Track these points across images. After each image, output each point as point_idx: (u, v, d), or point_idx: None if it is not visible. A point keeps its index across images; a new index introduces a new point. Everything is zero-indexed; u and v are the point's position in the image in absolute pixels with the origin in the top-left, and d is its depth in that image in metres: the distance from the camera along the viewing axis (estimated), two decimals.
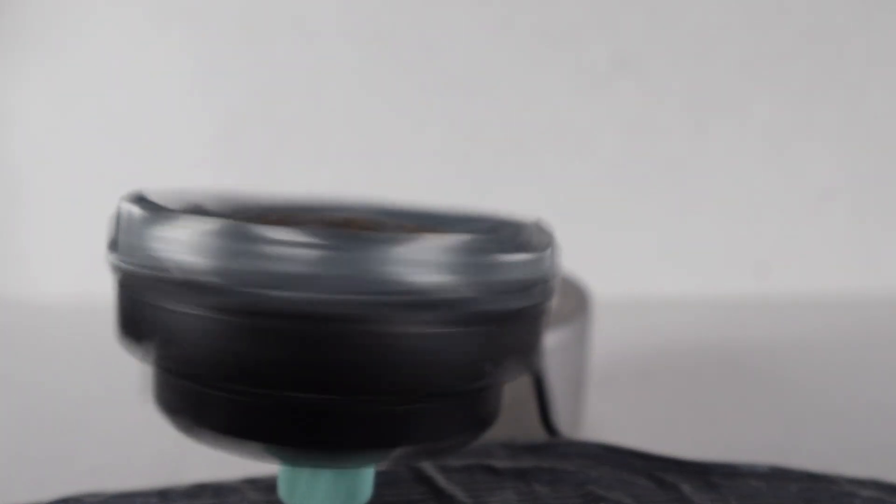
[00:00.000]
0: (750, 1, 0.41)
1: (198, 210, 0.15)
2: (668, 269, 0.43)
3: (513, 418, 0.19)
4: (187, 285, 0.12)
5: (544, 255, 0.14)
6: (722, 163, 0.42)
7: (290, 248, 0.12)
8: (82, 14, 0.41)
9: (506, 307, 0.13)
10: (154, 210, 0.13)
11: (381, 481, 0.16)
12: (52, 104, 0.42)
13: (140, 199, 0.14)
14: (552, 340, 0.23)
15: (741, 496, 0.15)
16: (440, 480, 0.16)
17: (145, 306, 0.13)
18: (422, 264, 0.12)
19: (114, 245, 0.13)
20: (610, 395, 0.28)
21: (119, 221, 0.13)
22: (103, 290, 0.42)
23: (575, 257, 0.41)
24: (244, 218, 0.15)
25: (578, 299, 0.25)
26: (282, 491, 0.14)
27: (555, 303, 0.25)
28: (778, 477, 0.16)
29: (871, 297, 0.44)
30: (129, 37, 0.41)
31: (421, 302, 0.12)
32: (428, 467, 0.17)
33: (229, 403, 0.13)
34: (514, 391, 0.20)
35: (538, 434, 0.18)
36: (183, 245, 0.12)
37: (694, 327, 0.37)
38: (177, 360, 0.13)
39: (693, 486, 0.15)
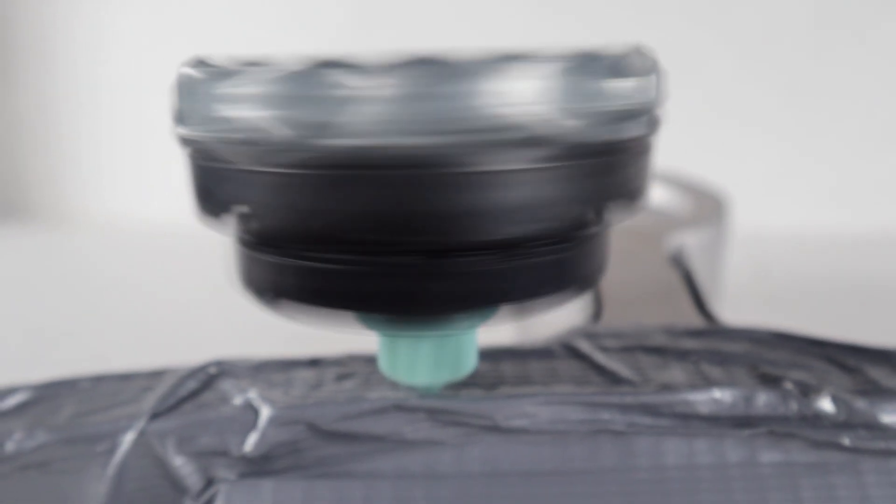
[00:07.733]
0: None
1: (261, 63, 0.14)
2: (782, 202, 0.41)
3: (666, 310, 0.18)
4: (258, 143, 0.11)
5: (649, 81, 0.12)
6: (846, 89, 0.40)
7: (365, 88, 0.10)
8: None
9: (610, 138, 0.11)
10: (214, 68, 0.12)
11: (533, 357, 0.16)
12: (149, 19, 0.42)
13: (199, 63, 0.12)
14: (688, 243, 0.22)
15: None
16: (599, 357, 0.15)
17: (218, 174, 0.12)
18: (515, 94, 0.10)
19: (179, 116, 0.12)
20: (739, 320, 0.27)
21: (180, 89, 0.12)
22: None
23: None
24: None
25: (713, 204, 0.24)
26: (382, 364, 0.13)
27: (688, 207, 0.24)
28: None
29: None
30: None
31: (519, 138, 0.11)
32: (583, 345, 0.16)
33: (315, 271, 0.12)
34: (662, 284, 0.19)
35: (696, 322, 0.17)
36: (248, 99, 0.11)
37: (815, 261, 0.35)
38: (257, 228, 0.12)
39: (881, 371, 0.14)
